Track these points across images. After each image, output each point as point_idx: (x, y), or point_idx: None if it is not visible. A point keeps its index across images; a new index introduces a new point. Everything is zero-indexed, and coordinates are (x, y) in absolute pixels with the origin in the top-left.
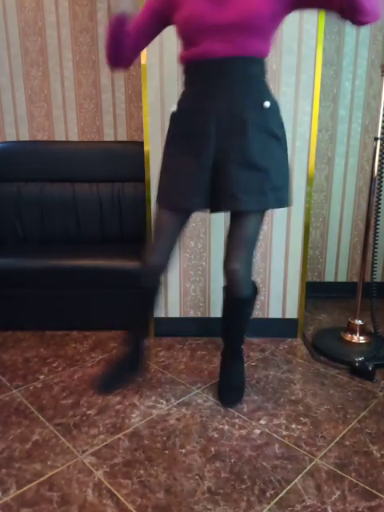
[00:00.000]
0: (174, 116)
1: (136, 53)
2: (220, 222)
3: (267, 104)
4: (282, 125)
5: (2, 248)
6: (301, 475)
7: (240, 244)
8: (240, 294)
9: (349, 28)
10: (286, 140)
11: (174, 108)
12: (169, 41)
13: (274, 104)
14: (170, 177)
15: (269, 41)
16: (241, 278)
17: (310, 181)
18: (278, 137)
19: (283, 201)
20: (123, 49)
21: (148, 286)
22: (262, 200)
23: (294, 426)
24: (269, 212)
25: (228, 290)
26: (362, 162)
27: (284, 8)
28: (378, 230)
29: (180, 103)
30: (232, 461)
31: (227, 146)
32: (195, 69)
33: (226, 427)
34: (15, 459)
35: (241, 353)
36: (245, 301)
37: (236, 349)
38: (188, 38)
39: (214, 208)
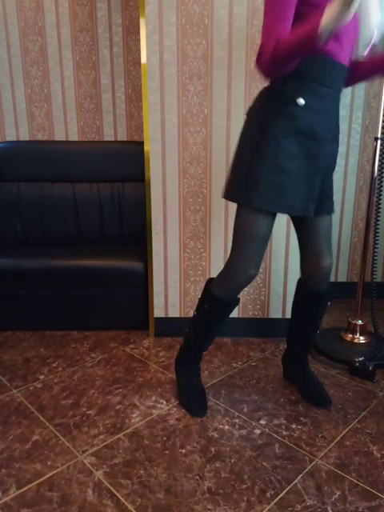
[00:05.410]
0: (299, 110)
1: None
2: (220, 222)
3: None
4: None
5: (2, 248)
6: (301, 475)
7: (328, 242)
8: (326, 288)
9: None
10: None
11: (301, 101)
12: (169, 40)
13: None
14: (287, 178)
15: None
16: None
17: None
18: None
19: None
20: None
21: (231, 301)
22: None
23: (294, 426)
24: None
25: (314, 287)
26: (362, 161)
27: None
28: (378, 230)
29: (307, 98)
30: (232, 461)
31: (331, 151)
32: (333, 67)
33: (226, 427)
34: (15, 459)
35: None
36: (327, 294)
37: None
38: None
39: (315, 213)
